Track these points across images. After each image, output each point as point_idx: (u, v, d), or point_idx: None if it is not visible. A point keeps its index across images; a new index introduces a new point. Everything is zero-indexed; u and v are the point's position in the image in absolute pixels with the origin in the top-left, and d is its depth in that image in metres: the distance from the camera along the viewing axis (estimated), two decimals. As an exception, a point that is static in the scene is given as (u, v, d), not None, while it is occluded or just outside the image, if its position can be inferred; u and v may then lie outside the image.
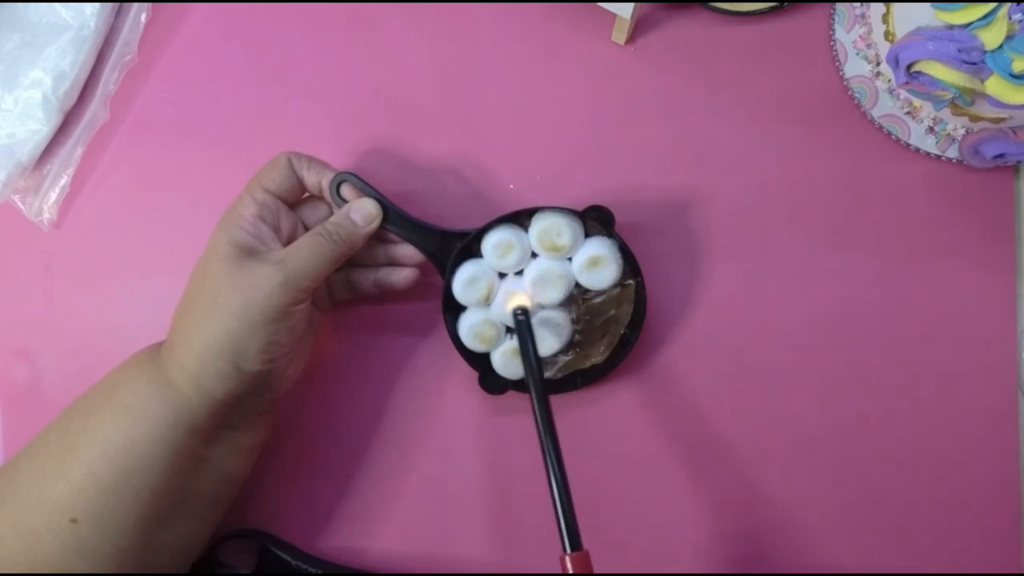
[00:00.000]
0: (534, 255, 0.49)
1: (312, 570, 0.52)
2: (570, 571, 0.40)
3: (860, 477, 0.52)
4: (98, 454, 0.43)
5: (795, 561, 0.52)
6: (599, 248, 0.48)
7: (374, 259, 0.51)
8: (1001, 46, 0.43)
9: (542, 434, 0.43)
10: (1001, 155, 0.47)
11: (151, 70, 0.57)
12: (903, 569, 0.51)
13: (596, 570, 0.41)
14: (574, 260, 0.49)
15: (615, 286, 0.50)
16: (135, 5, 0.56)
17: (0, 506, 0.44)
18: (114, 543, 0.43)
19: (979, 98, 0.46)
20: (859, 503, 0.52)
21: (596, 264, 0.48)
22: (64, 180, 0.56)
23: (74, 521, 0.42)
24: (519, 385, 0.51)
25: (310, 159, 0.48)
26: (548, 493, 0.41)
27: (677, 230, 0.53)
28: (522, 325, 0.47)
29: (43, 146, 0.55)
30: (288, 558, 0.52)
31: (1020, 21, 0.43)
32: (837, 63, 0.52)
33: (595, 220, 0.49)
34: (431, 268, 0.50)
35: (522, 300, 0.49)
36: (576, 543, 0.41)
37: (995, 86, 0.44)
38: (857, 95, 0.52)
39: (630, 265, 0.49)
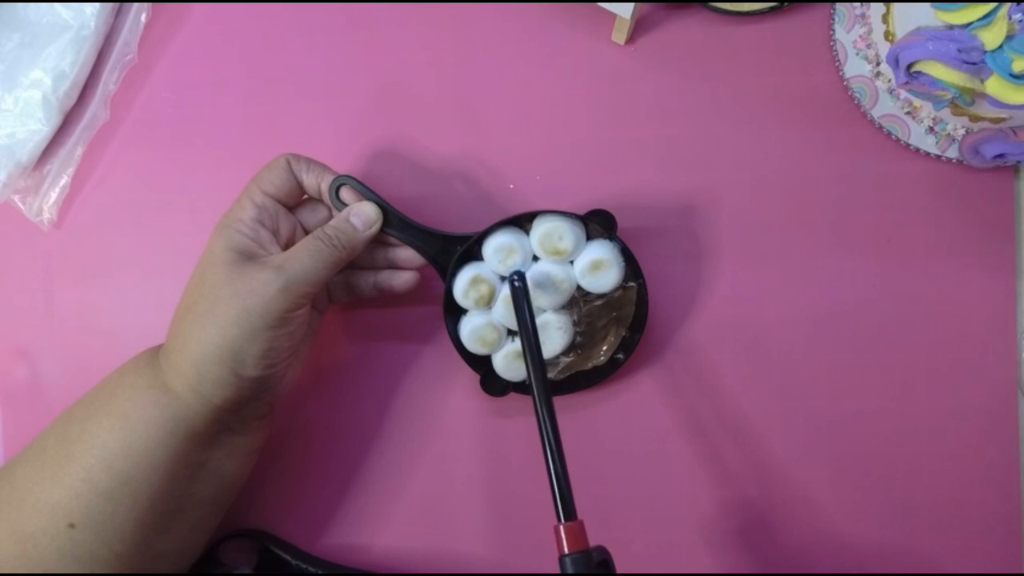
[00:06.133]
0: (535, 258, 0.49)
1: (312, 570, 0.52)
2: (564, 541, 0.39)
3: (859, 477, 0.52)
4: (96, 460, 0.43)
5: (793, 564, 0.52)
6: (601, 252, 0.48)
7: (374, 262, 0.51)
8: (1001, 46, 0.43)
9: (538, 402, 0.43)
10: (1001, 155, 0.47)
11: (151, 70, 0.57)
12: (903, 569, 0.51)
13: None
14: (576, 263, 0.49)
15: (617, 289, 0.50)
16: (135, 5, 0.56)
17: None
18: (112, 548, 0.43)
19: (979, 98, 0.46)
20: (859, 503, 0.52)
21: (598, 268, 0.48)
22: (64, 180, 0.56)
23: (72, 526, 0.42)
24: (520, 387, 0.51)
25: (309, 161, 0.48)
26: (548, 494, 0.41)
27: (678, 231, 0.53)
28: (518, 292, 0.47)
29: (43, 146, 0.55)
30: (288, 558, 0.53)
31: (1020, 21, 0.43)
32: (837, 63, 0.52)
33: (597, 223, 0.49)
34: (432, 271, 0.50)
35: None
36: (570, 512, 0.40)
37: (995, 86, 0.44)
38: (857, 95, 0.52)
39: (632, 268, 0.49)
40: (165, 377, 0.44)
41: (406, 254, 0.50)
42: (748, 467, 0.52)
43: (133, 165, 0.57)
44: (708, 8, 0.52)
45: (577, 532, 0.40)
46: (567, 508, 0.40)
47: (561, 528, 0.40)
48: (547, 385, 0.44)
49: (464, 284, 0.49)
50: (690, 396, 0.53)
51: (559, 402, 0.51)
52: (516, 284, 0.47)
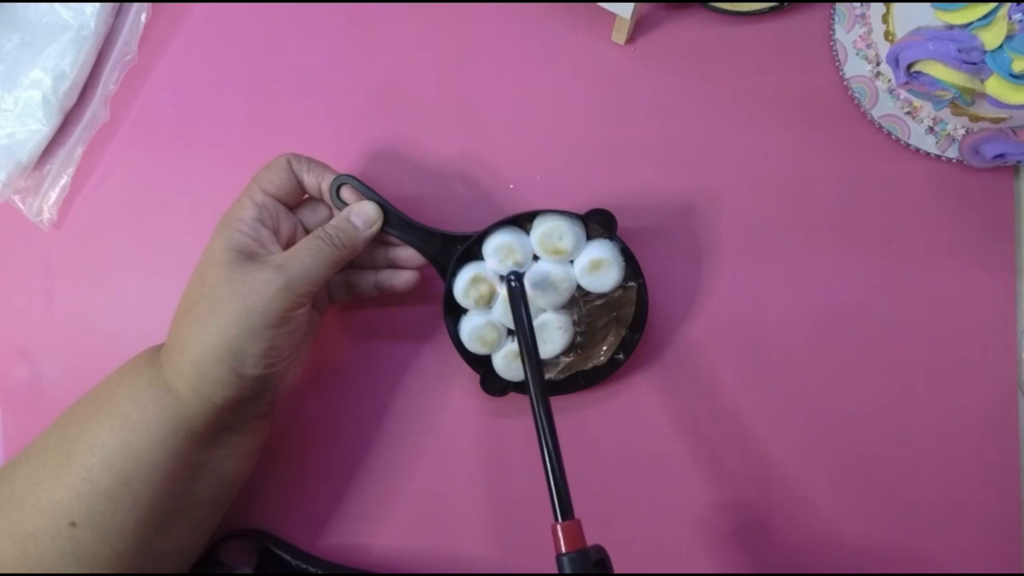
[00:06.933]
0: (536, 258, 0.49)
1: (312, 570, 0.52)
2: (562, 540, 0.40)
3: (859, 477, 0.52)
4: (97, 460, 0.43)
5: (793, 564, 0.52)
6: (601, 251, 0.48)
7: (374, 262, 0.51)
8: (1001, 46, 0.43)
9: (535, 403, 0.43)
10: (1001, 155, 0.47)
11: (151, 70, 0.57)
12: (903, 568, 0.51)
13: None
14: (576, 263, 0.49)
15: (617, 288, 0.50)
16: (135, 5, 0.56)
17: None
18: (113, 548, 0.43)
19: (979, 98, 0.46)
20: (859, 503, 0.52)
21: (598, 267, 0.48)
22: (64, 180, 0.56)
23: (73, 525, 0.42)
24: (520, 387, 0.51)
25: (310, 161, 0.48)
26: (547, 493, 0.41)
27: (678, 231, 0.53)
28: (515, 292, 0.47)
29: (43, 146, 0.55)
30: (288, 558, 0.53)
31: (1020, 21, 0.43)
32: (837, 63, 0.52)
33: (597, 223, 0.49)
34: (432, 271, 0.50)
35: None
36: (567, 512, 0.40)
37: (995, 86, 0.44)
38: (857, 95, 0.52)
39: (632, 268, 0.49)
40: (166, 377, 0.44)
41: (406, 253, 0.50)
42: (748, 467, 0.52)
43: (133, 165, 0.57)
44: (708, 8, 0.53)
45: (574, 531, 0.40)
46: (564, 507, 0.41)
47: (558, 527, 0.40)
48: (544, 385, 0.44)
49: (464, 283, 0.49)
50: (690, 396, 0.53)
51: (558, 402, 0.51)
52: (513, 284, 0.47)
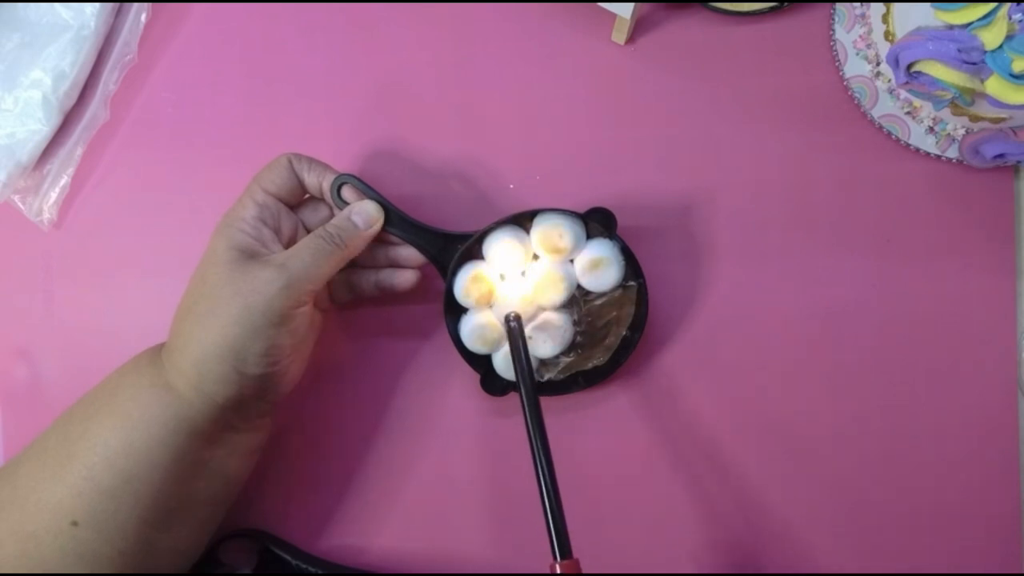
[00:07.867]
0: (536, 257, 0.49)
1: (312, 570, 0.52)
2: None
3: (860, 478, 0.52)
4: (98, 458, 0.43)
5: (794, 562, 0.52)
6: (601, 250, 0.48)
7: (375, 261, 0.51)
8: (1001, 46, 0.43)
9: (533, 442, 0.43)
10: (1001, 155, 0.47)
11: (151, 70, 0.57)
12: (903, 569, 0.51)
13: (593, 570, 0.41)
14: (576, 262, 0.49)
15: (617, 288, 0.50)
16: (135, 5, 0.56)
17: None
18: (115, 546, 0.43)
19: (979, 98, 0.46)
20: (859, 503, 0.52)
21: (598, 266, 0.48)
22: (64, 180, 0.56)
23: (75, 524, 0.42)
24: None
25: (311, 160, 0.48)
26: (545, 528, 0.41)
27: (678, 231, 0.53)
28: (514, 332, 0.47)
29: (43, 146, 0.55)
30: (288, 558, 0.52)
31: (1020, 21, 0.43)
32: (837, 63, 0.52)
33: (597, 222, 0.49)
34: (432, 270, 0.50)
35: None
36: (566, 550, 0.41)
37: (995, 86, 0.44)
38: (857, 95, 0.52)
39: (632, 267, 0.49)
40: (167, 376, 0.44)
41: (407, 252, 0.50)
42: (746, 466, 0.52)
43: (133, 165, 0.57)
44: (708, 8, 0.53)
45: (573, 571, 0.40)
46: (563, 546, 0.41)
47: (556, 566, 0.40)
48: (543, 425, 0.44)
49: (464, 282, 0.49)
50: (690, 396, 0.53)
51: (557, 402, 0.51)
52: (512, 324, 0.47)
